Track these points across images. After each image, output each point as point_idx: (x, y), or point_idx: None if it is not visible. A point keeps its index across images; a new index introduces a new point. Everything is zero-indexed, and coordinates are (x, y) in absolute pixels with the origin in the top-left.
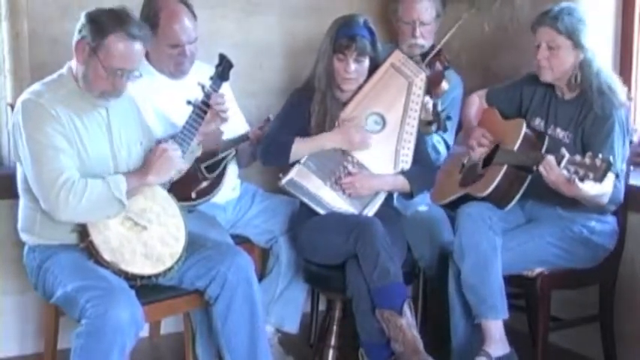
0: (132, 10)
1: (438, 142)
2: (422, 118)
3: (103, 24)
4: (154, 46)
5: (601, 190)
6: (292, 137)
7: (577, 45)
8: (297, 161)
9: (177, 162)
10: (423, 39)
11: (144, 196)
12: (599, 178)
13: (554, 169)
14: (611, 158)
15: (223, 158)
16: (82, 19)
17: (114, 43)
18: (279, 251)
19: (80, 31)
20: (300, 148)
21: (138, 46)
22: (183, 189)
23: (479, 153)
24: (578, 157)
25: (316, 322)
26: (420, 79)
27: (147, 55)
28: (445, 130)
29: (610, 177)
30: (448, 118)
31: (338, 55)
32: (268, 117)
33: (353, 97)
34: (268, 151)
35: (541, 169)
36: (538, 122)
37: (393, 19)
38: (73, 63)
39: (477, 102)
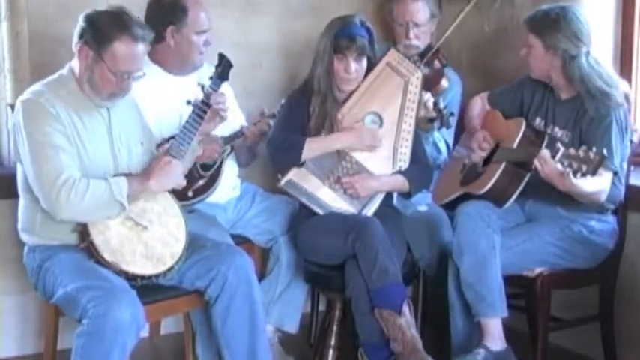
0: (132, 9)
1: (438, 139)
2: (424, 116)
3: (106, 30)
4: (180, 39)
5: (596, 187)
6: (303, 137)
7: (548, 46)
8: None
9: (179, 176)
10: (418, 40)
11: (145, 196)
12: (593, 171)
13: (548, 163)
14: (604, 151)
15: (219, 156)
16: (81, 22)
17: (119, 47)
18: (279, 251)
19: (81, 35)
20: (312, 147)
21: (141, 47)
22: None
23: (479, 156)
24: (572, 151)
25: (316, 322)
26: (416, 78)
27: (155, 53)
28: (449, 126)
29: (607, 174)
30: (451, 114)
31: (338, 55)
32: (263, 110)
33: (350, 96)
34: (278, 150)
35: (535, 162)
36: (538, 122)
37: (389, 19)
38: (74, 63)
39: (480, 104)
